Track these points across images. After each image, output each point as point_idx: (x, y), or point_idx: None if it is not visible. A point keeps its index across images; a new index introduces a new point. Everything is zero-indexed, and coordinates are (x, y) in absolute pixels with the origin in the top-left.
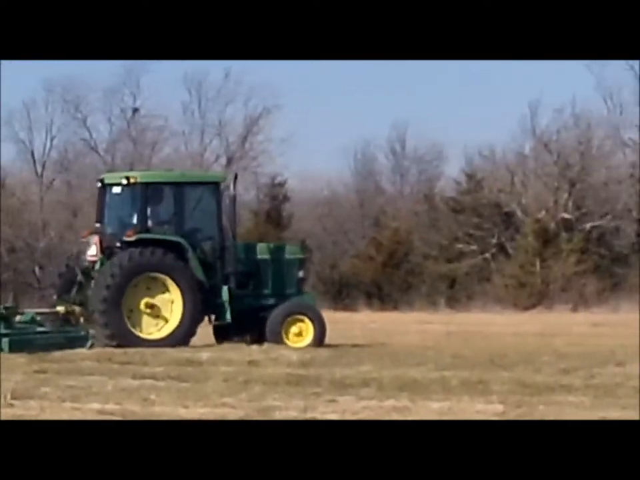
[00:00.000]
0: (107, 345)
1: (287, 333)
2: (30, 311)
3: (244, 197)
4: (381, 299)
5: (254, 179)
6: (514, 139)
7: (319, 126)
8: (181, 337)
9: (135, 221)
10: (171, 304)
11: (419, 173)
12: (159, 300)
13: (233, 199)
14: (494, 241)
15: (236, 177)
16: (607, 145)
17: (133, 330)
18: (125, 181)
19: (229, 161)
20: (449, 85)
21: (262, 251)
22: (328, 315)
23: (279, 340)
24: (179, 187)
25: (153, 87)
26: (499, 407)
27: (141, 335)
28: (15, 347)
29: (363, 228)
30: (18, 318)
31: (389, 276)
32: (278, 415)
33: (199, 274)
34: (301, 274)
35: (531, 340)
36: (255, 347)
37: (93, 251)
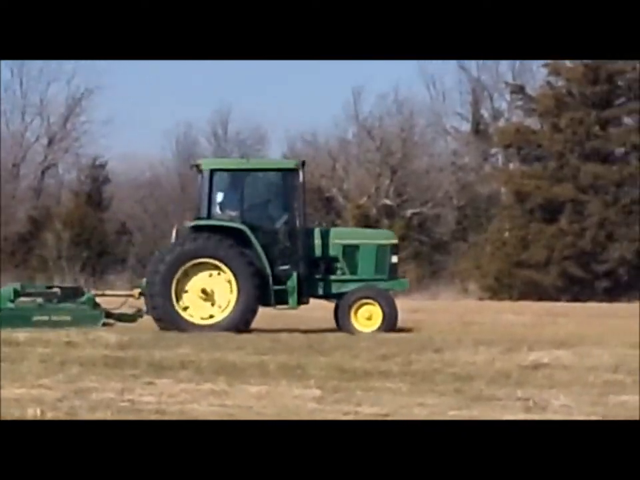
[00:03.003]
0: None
1: (356, 317)
2: (90, 292)
3: (65, 177)
4: None
5: (75, 159)
6: (337, 124)
7: (142, 108)
8: (236, 322)
9: (200, 207)
10: (228, 290)
11: (241, 156)
12: (215, 286)
13: (302, 185)
14: None
15: (304, 164)
16: (429, 132)
17: (182, 314)
18: (195, 168)
19: (50, 142)
20: (272, 68)
21: (348, 236)
22: None
23: (347, 324)
24: (246, 174)
25: None
26: (317, 392)
27: (192, 320)
28: (5, 324)
29: (184, 211)
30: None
31: None
32: (95, 397)
33: (260, 260)
34: (393, 259)
35: None
36: (73, 328)
37: (173, 236)
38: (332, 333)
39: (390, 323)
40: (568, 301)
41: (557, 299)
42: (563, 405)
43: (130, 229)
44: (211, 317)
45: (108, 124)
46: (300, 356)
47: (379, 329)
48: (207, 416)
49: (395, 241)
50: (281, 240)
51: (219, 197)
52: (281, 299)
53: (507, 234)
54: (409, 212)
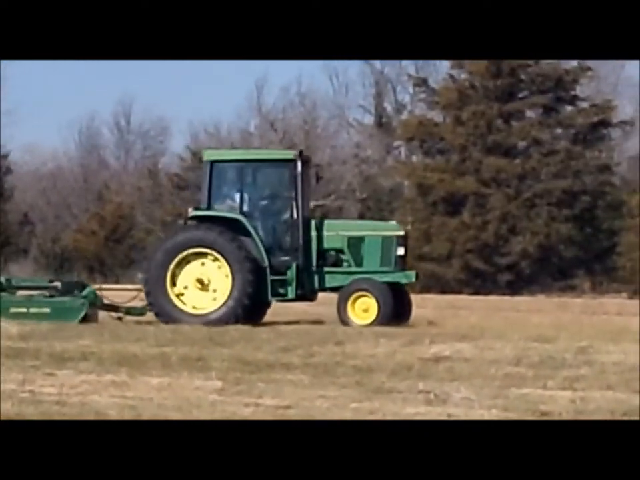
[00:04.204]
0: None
1: (354, 309)
2: (92, 286)
3: None
4: (103, 273)
5: None
6: (240, 116)
7: (45, 98)
8: (231, 312)
9: (201, 197)
10: (223, 280)
11: (144, 148)
12: (211, 276)
13: (301, 175)
14: None
15: (301, 154)
16: (332, 125)
17: (177, 305)
18: (200, 160)
19: None
20: (175, 60)
21: (354, 228)
22: None
23: (344, 316)
24: (246, 165)
25: None
26: (218, 384)
27: (188, 310)
28: None
29: (87, 202)
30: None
31: (111, 251)
32: None
33: (257, 251)
34: (400, 251)
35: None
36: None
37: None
38: (233, 325)
39: (385, 316)
40: (470, 294)
41: (459, 292)
42: (463, 398)
43: (32, 219)
44: (207, 306)
45: (10, 115)
46: (201, 348)
47: (375, 322)
48: (107, 407)
49: (402, 233)
50: (281, 231)
51: (222, 188)
52: (280, 289)
53: (409, 227)
54: (311, 204)
